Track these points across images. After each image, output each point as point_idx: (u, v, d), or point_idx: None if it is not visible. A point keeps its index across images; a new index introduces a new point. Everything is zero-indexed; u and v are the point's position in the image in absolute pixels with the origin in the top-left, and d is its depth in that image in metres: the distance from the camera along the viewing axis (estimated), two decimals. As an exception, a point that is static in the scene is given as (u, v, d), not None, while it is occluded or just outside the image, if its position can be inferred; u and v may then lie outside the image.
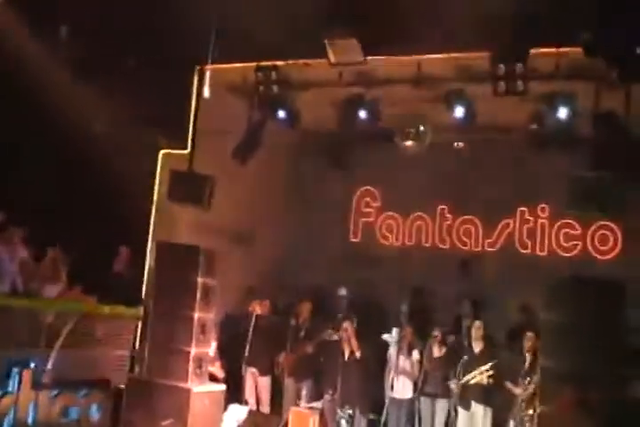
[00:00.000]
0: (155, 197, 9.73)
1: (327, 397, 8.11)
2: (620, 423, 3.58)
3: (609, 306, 6.43)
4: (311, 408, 8.20)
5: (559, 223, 9.96)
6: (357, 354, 8.04)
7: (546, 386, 6.47)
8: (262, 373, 8.99)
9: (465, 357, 7.75)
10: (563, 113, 7.80)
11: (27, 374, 7.41)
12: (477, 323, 7.98)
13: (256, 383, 9.03)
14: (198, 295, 8.15)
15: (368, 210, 11.13)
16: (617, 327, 6.42)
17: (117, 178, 9.00)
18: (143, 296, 9.06)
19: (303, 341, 8.75)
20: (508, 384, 7.48)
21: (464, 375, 7.58)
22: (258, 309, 9.28)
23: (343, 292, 9.95)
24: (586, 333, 6.29)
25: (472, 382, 7.54)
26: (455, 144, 9.94)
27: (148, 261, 9.28)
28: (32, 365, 7.52)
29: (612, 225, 9.61)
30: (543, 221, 10.12)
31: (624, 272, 8.26)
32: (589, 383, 5.54)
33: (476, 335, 7.88)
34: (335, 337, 8.25)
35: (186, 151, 9.59)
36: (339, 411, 7.84)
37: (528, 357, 7.50)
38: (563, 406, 5.20)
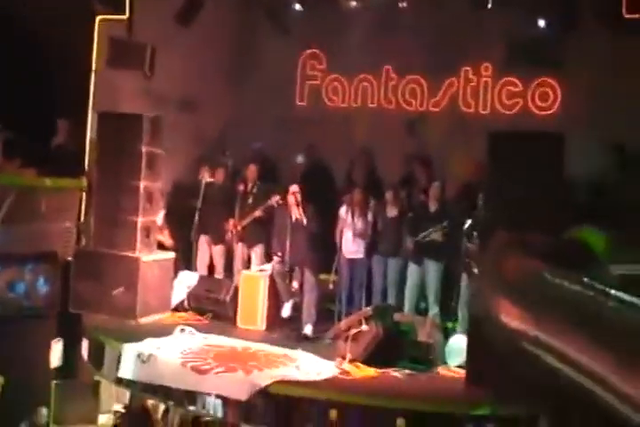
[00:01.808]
0: (93, 66, 8.76)
1: (276, 259, 7.61)
2: (554, 260, 3.30)
3: (548, 158, 6.09)
4: (261, 271, 7.78)
5: (502, 81, 9.30)
6: (304, 221, 7.41)
7: (489, 236, 6.04)
8: (215, 241, 8.44)
9: (418, 215, 7.39)
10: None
11: (-31, 251, 6.70)
12: (436, 184, 7.54)
13: (210, 250, 8.49)
14: (143, 164, 7.55)
15: (313, 73, 10.28)
16: (556, 178, 6.13)
17: (53, 47, 8.18)
18: (86, 168, 8.20)
19: (252, 206, 8.11)
20: (461, 239, 6.98)
21: (419, 233, 7.20)
22: (207, 176, 8.62)
23: (300, 159, 9.29)
24: (527, 186, 5.97)
25: (427, 239, 7.15)
26: (399, 4, 9.01)
27: (90, 132, 8.47)
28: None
29: (552, 81, 8.99)
30: (486, 79, 9.49)
31: (563, 127, 7.76)
32: (527, 230, 5.11)
33: (433, 195, 7.45)
34: (282, 202, 7.55)
35: (124, 16, 8.68)
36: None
37: (477, 213, 6.98)
38: (498, 245, 4.78)
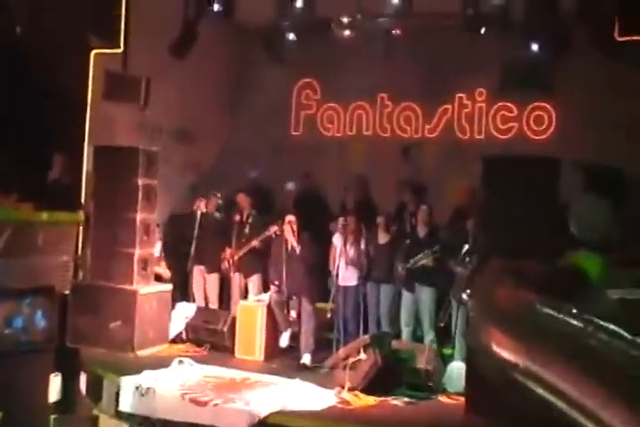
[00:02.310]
0: (89, 100, 8.83)
1: (273, 288, 7.68)
2: (548, 289, 3.36)
3: (543, 182, 6.16)
4: (258, 301, 7.83)
5: (496, 106, 9.56)
6: (297, 249, 7.52)
7: (482, 262, 6.15)
8: (209, 270, 8.51)
9: (408, 241, 7.40)
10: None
11: (-34, 287, 6.74)
12: (423, 207, 7.57)
13: (204, 281, 8.55)
14: (139, 197, 7.67)
15: (308, 102, 10.54)
16: (550, 202, 6.19)
17: (48, 81, 8.21)
18: (82, 201, 8.31)
19: (248, 236, 8.19)
20: (452, 264, 7.03)
21: (409, 259, 7.23)
22: (202, 206, 8.71)
23: (290, 186, 9.38)
24: (522, 210, 6.02)
25: (417, 265, 7.18)
26: (393, 32, 9.17)
27: (86, 165, 8.54)
28: (-29, 276, 6.83)
29: (547, 105, 9.19)
30: (481, 104, 9.69)
31: (558, 151, 7.86)
32: (522, 256, 5.20)
33: (422, 220, 7.48)
34: (279, 232, 7.63)
35: (119, 50, 8.77)
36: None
37: (470, 237, 7.02)
38: (491, 273, 4.88)
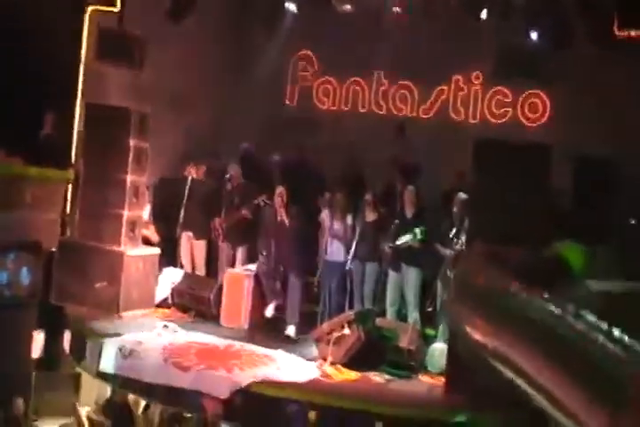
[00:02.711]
0: (82, 58, 8.72)
1: (261, 259, 7.72)
2: (528, 276, 3.41)
3: (534, 169, 6.17)
4: (246, 271, 7.86)
5: (492, 91, 9.54)
6: (287, 222, 7.57)
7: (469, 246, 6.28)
8: (198, 236, 8.53)
9: (397, 221, 7.41)
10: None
11: (-48, 238, 6.73)
12: (410, 188, 7.58)
13: (192, 247, 8.57)
14: (130, 158, 7.61)
15: (304, 74, 10.45)
16: (541, 189, 6.23)
17: (41, 37, 8.08)
18: (73, 159, 8.24)
19: (237, 205, 8.20)
20: (438, 246, 7.14)
21: (396, 239, 7.26)
22: (193, 173, 8.68)
23: (277, 157, 9.37)
24: (512, 195, 6.04)
25: (404, 245, 7.22)
26: (393, 9, 9.15)
27: (77, 124, 8.48)
28: (-43, 228, 6.81)
29: (542, 93, 9.23)
30: (477, 88, 9.69)
31: (551, 138, 7.95)
32: (508, 241, 5.28)
33: (409, 200, 7.50)
34: (268, 202, 7.66)
35: (115, 8, 8.67)
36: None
37: (457, 220, 7.15)
38: (473, 257, 4.95)
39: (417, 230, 7.16)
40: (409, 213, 7.49)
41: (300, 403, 5.90)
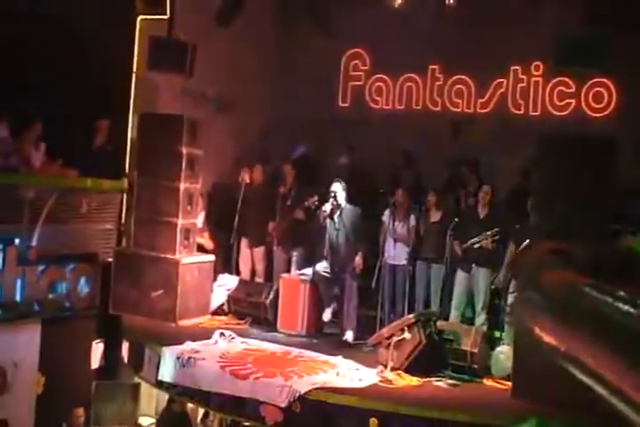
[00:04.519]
0: (134, 66, 8.95)
1: (318, 262, 7.68)
2: (600, 273, 3.30)
3: (600, 163, 6.07)
4: (301, 275, 7.90)
5: (553, 81, 9.35)
6: (345, 225, 7.51)
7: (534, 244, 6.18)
8: (255, 243, 8.63)
9: (463, 220, 7.40)
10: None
11: (11, 251, 7.03)
12: (485, 187, 7.54)
13: (252, 254, 8.67)
14: (183, 165, 7.75)
15: (357, 73, 10.44)
16: (608, 184, 6.12)
17: (94, 48, 8.32)
18: (127, 169, 8.43)
19: (291, 208, 8.29)
20: (506, 245, 7.13)
21: (467, 239, 7.22)
22: (247, 177, 8.78)
23: (344, 160, 9.42)
24: (578, 189, 6.00)
25: (476, 246, 7.18)
26: (447, 1, 9.05)
27: (130, 133, 8.68)
28: (16, 241, 7.08)
29: (607, 81, 8.99)
30: (537, 79, 9.49)
31: (617, 129, 7.85)
32: (575, 237, 5.18)
33: (483, 200, 7.47)
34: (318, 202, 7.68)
35: (165, 16, 8.80)
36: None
37: (523, 218, 7.03)
38: (539, 255, 4.86)
39: (490, 232, 7.12)
40: (482, 213, 7.46)
41: (360, 410, 5.88)
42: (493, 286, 7.24)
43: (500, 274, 7.16)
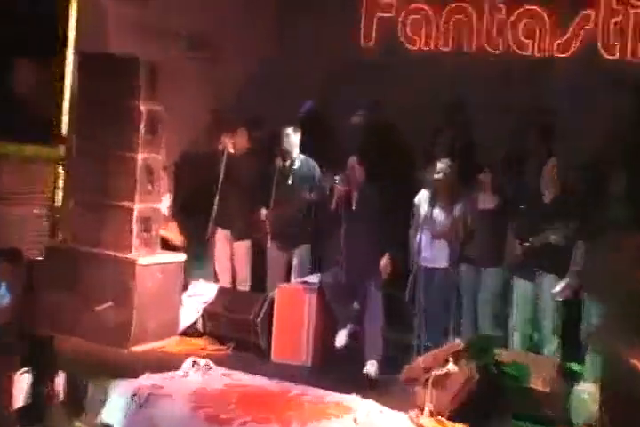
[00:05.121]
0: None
1: (329, 266, 7.83)
2: None
3: None
4: (306, 283, 7.94)
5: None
6: (366, 211, 7.64)
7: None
8: (238, 236, 8.73)
9: (527, 207, 7.49)
10: None
11: None
12: (552, 160, 7.62)
13: (231, 251, 8.74)
14: (141, 128, 7.85)
15: (386, 1, 10.43)
16: None
17: None
18: (63, 131, 8.45)
19: (292, 189, 8.36)
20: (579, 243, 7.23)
21: (531, 234, 7.32)
22: (229, 146, 8.86)
23: (357, 119, 9.50)
24: None
25: (541, 243, 7.28)
26: None
27: (69, 80, 8.72)
28: None
29: None
30: (637, 10, 9.43)
31: None
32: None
33: (549, 178, 7.52)
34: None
35: None
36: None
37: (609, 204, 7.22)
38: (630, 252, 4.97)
39: (560, 223, 7.16)
40: (548, 196, 7.51)
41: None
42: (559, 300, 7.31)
43: (563, 281, 7.21)
